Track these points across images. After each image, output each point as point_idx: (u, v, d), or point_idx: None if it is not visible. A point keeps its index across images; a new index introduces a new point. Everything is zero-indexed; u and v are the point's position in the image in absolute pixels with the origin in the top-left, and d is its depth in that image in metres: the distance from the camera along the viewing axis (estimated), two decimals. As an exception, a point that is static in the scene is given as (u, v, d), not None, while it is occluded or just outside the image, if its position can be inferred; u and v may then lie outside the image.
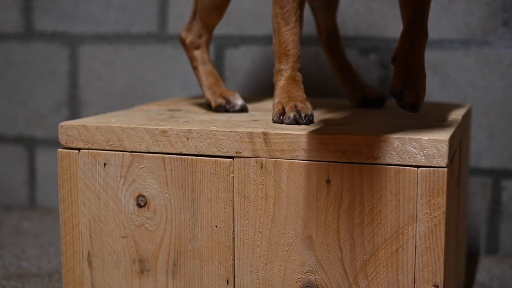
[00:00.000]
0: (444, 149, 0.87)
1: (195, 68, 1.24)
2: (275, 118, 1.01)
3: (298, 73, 1.06)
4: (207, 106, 1.21)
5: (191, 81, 1.69)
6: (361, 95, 1.23)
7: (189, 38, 1.23)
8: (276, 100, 1.04)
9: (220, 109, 1.16)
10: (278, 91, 1.04)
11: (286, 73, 1.05)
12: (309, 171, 0.92)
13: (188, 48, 1.25)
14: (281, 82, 1.05)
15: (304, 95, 1.04)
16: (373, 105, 1.22)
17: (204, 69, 1.23)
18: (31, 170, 1.82)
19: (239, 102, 1.16)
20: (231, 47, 1.66)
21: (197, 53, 1.24)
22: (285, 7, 1.03)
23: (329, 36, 1.28)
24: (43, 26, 1.78)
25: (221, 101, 1.16)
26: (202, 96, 1.48)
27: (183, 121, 1.03)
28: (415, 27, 1.00)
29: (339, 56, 1.28)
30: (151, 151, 0.98)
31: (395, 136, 0.89)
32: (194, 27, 1.24)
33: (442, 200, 0.88)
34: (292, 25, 1.04)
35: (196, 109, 1.20)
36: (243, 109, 1.16)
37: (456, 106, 1.26)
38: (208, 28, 1.23)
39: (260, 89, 1.62)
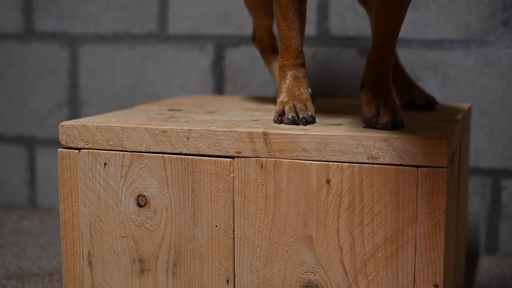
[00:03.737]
0: (444, 149, 0.87)
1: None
2: (275, 118, 1.01)
3: (301, 69, 1.05)
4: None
5: (191, 81, 1.69)
6: (407, 98, 1.22)
7: None
8: (278, 100, 1.04)
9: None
10: (280, 90, 1.04)
11: (288, 71, 1.04)
12: (309, 171, 0.92)
13: None
14: (284, 81, 1.05)
15: (307, 92, 1.04)
16: (420, 109, 1.20)
17: None
18: (31, 170, 1.82)
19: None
20: (231, 47, 1.66)
21: None
22: (282, 2, 1.03)
23: None
24: (43, 26, 1.78)
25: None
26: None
27: (183, 121, 1.03)
28: (380, 55, 1.01)
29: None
30: (151, 151, 0.98)
31: (395, 136, 0.89)
32: None
33: (442, 200, 0.88)
34: (289, 21, 1.03)
35: (196, 109, 1.20)
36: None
37: (456, 106, 1.26)
38: None
39: (260, 89, 1.62)
